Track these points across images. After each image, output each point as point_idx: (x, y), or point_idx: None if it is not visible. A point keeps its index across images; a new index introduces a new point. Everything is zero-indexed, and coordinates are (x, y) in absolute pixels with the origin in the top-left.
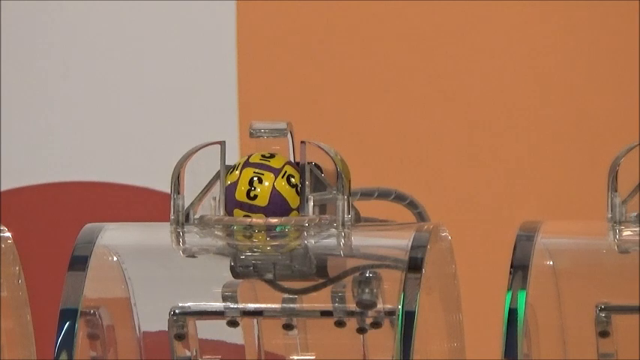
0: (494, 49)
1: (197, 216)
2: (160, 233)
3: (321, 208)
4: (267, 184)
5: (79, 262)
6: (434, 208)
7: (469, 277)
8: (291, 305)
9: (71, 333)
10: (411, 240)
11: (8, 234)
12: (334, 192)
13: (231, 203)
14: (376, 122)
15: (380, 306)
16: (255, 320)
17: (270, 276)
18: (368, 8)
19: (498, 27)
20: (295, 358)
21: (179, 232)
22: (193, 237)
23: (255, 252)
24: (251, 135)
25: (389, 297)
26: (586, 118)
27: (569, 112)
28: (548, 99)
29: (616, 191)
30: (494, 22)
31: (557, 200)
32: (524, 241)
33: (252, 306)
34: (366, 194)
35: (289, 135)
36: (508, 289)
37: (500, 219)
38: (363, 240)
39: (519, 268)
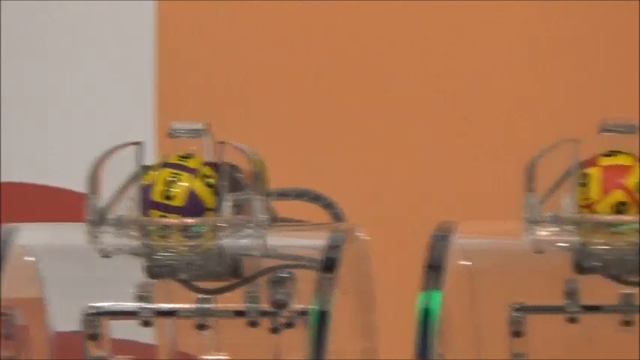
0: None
1: (114, 216)
2: (75, 233)
3: (239, 208)
4: (183, 184)
5: None
6: (351, 208)
7: (385, 277)
8: (205, 305)
9: None
10: (326, 240)
11: None
12: (251, 192)
13: (147, 203)
14: (297, 122)
15: (294, 306)
16: (169, 320)
17: (184, 276)
18: (288, 8)
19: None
20: (208, 357)
21: (95, 233)
22: (109, 237)
23: (170, 252)
24: (170, 135)
25: (304, 297)
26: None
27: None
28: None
29: (532, 191)
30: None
31: (476, 201)
32: (440, 241)
33: (166, 306)
34: (283, 195)
35: (207, 136)
36: (422, 289)
37: (418, 219)
38: (279, 240)
39: (434, 268)
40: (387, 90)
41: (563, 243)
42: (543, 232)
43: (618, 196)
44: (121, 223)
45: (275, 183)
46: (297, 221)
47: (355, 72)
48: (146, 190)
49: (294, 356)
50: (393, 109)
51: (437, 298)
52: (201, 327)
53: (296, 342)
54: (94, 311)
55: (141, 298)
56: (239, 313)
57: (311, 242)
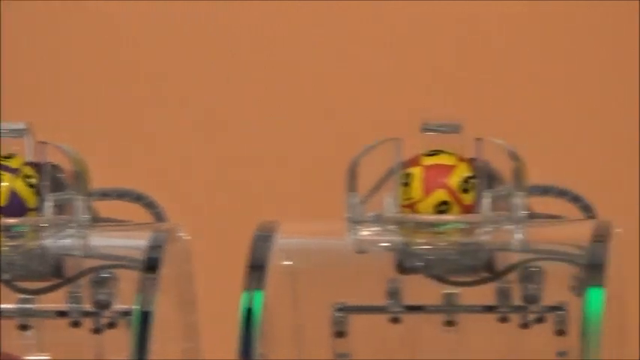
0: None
1: None
2: None
3: (60, 208)
4: (4, 184)
5: None
6: (173, 208)
7: (207, 277)
8: (27, 306)
9: None
10: (148, 240)
11: None
12: (72, 192)
13: None
14: (117, 122)
15: (116, 306)
16: None
17: (7, 276)
18: (126, 8)
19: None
20: (31, 358)
21: None
22: None
23: None
24: None
25: (126, 297)
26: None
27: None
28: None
29: (355, 191)
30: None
31: (298, 200)
32: (261, 241)
33: None
34: (105, 195)
35: (29, 135)
36: (244, 290)
37: (240, 219)
38: (101, 240)
39: (256, 268)
40: (204, 88)
41: (385, 243)
42: (365, 232)
43: (440, 195)
44: None
45: (97, 183)
46: (119, 221)
47: (168, 72)
48: None
49: (117, 356)
50: (209, 107)
51: (259, 298)
52: (24, 327)
53: (119, 342)
54: None
55: None
56: (61, 314)
57: (133, 242)
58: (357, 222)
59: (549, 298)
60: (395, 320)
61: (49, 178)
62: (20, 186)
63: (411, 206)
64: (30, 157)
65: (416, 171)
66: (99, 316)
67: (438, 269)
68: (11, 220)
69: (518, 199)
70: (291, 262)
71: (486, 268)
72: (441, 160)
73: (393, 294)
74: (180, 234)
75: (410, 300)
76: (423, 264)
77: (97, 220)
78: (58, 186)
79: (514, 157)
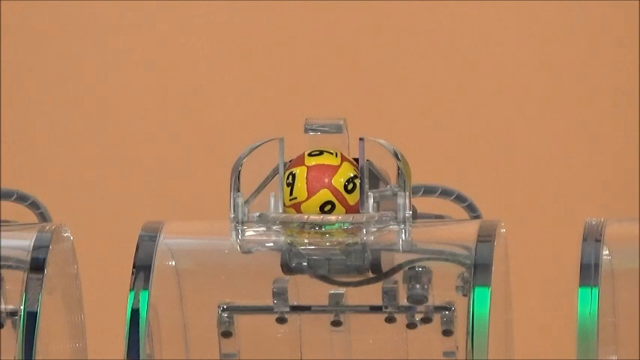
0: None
1: None
2: None
3: None
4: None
5: None
6: (58, 207)
7: (93, 277)
8: None
9: None
10: (33, 240)
11: None
12: None
13: None
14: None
15: (2, 307)
16: None
17: None
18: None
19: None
20: None
21: None
22: None
23: None
24: None
25: (11, 297)
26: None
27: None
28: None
29: (239, 191)
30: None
31: (185, 200)
32: (147, 242)
33: None
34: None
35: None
36: (130, 290)
37: (126, 218)
38: None
39: (141, 269)
40: (86, 91)
41: (270, 243)
42: (250, 232)
43: (324, 195)
44: None
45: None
46: (3, 221)
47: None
48: None
49: (4, 356)
50: (93, 108)
51: (145, 298)
52: None
53: (4, 342)
54: None
55: None
56: None
57: (18, 242)
58: (241, 222)
59: (436, 298)
60: (281, 320)
61: None
62: None
63: (295, 206)
64: None
65: (300, 171)
66: None
67: (324, 269)
68: None
69: (403, 199)
70: (175, 262)
71: (372, 269)
72: (325, 160)
73: (279, 294)
74: (66, 234)
75: (296, 300)
76: (307, 264)
77: None
78: None
79: (397, 156)
